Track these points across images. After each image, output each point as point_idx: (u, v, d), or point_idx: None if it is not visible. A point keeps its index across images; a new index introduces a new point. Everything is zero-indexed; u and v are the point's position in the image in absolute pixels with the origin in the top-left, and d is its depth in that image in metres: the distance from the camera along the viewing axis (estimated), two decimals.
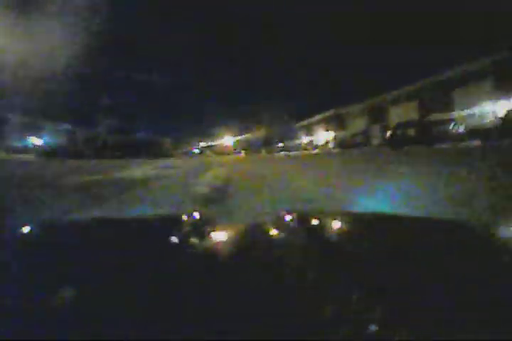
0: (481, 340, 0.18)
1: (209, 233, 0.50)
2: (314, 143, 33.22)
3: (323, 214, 0.78)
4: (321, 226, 0.58)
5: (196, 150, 45.09)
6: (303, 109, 39.38)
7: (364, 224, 0.59)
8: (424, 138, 12.64)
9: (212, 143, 44.47)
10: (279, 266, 0.33)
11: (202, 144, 45.99)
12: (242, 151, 39.63)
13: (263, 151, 38.05)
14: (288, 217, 0.60)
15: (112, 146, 28.62)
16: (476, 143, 10.75)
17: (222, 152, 38.33)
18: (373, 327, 0.20)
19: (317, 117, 34.14)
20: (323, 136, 32.17)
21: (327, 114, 31.56)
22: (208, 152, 40.77)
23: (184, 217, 0.66)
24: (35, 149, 22.12)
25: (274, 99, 40.09)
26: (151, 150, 29.73)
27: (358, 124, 27.84)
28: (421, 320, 0.20)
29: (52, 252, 0.39)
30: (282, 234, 0.49)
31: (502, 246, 0.41)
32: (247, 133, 42.08)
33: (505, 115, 8.80)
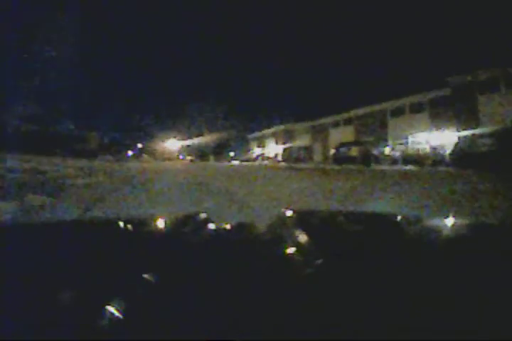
0: (481, 340, 0.18)
1: (209, 233, 0.50)
2: (266, 155, 33.93)
3: (324, 214, 0.80)
4: (321, 226, 0.59)
5: (130, 153, 38.12)
6: (255, 121, 39.42)
7: (364, 224, 0.61)
8: (363, 159, 13.77)
9: (153, 147, 39.22)
10: (279, 266, 0.32)
11: (139, 146, 39.87)
12: (188, 157, 37.04)
13: (211, 159, 36.33)
14: (288, 217, 0.61)
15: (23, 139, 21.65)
16: (409, 167, 11.76)
17: (162, 157, 34.64)
18: (373, 327, 0.19)
19: (269, 130, 34.99)
20: (273, 149, 32.37)
21: (278, 128, 33.77)
22: (144, 156, 34.42)
23: (184, 217, 0.66)
24: None
25: (229, 108, 39.23)
26: (72, 148, 23.07)
27: (304, 140, 30.13)
28: (421, 320, 0.20)
29: (52, 251, 0.39)
30: (282, 234, 0.49)
31: (500, 246, 0.41)
32: (195, 138, 39.26)
33: (455, 146, 9.28)
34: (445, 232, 0.52)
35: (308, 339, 0.19)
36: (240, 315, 0.22)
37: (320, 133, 27.45)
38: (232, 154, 40.44)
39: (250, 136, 40.60)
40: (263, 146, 36.32)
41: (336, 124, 25.66)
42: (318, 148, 27.85)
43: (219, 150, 39.18)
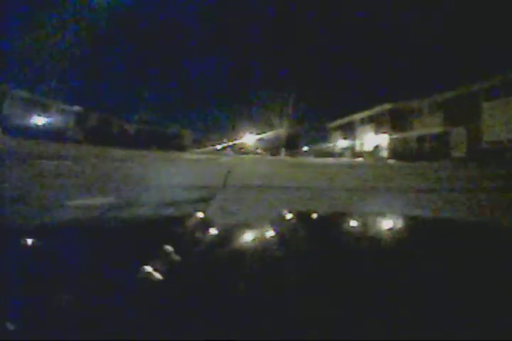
0: (480, 340, 0.18)
1: (209, 233, 0.50)
2: (358, 148, 24.54)
3: (324, 215, 0.83)
4: (321, 226, 0.58)
5: (219, 147, 39.16)
6: (337, 107, 30.57)
7: (365, 225, 0.60)
8: None
9: (234, 142, 37.74)
10: (279, 266, 0.33)
11: (224, 141, 39.43)
12: (258, 150, 32.93)
13: (282, 154, 30.37)
14: (288, 217, 0.60)
15: (132, 136, 25.86)
16: None
17: (240, 151, 32.21)
18: (373, 327, 0.19)
19: (362, 114, 25.23)
20: (371, 140, 23.31)
21: (379, 109, 22.61)
22: (227, 150, 34.85)
23: (184, 217, 0.65)
24: (38, 129, 18.93)
25: (302, 94, 31.75)
26: (170, 143, 25.01)
27: (431, 125, 18.56)
28: (421, 320, 0.20)
29: (52, 252, 0.39)
30: (283, 234, 0.48)
31: (502, 245, 0.41)
32: (269, 131, 34.42)
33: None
34: (445, 231, 0.52)
35: (308, 339, 0.19)
36: (240, 314, 0.22)
37: (463, 110, 15.73)
38: (305, 148, 33.44)
39: (332, 125, 32.25)
40: (352, 137, 27.65)
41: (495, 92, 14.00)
42: (460, 135, 16.28)
43: (291, 143, 32.94)
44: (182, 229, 0.56)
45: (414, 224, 0.61)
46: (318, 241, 0.43)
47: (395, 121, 20.92)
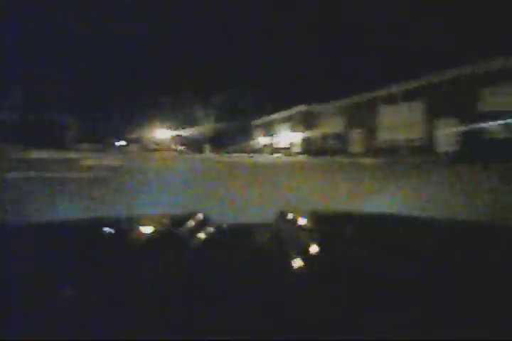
0: (481, 340, 0.18)
1: (208, 233, 0.49)
2: (276, 145, 25.63)
3: (324, 214, 0.80)
4: (321, 226, 0.59)
5: (120, 143, 33.05)
6: (260, 106, 31.39)
7: (365, 224, 0.60)
8: None
9: (141, 136, 32.76)
10: (279, 266, 0.33)
11: (131, 136, 33.60)
12: (179, 147, 30.23)
13: (207, 151, 28.84)
14: (288, 217, 0.60)
15: None
16: None
17: (150, 147, 28.86)
18: (373, 327, 0.20)
19: (282, 114, 26.47)
20: (287, 138, 24.62)
21: (295, 110, 24.18)
22: (130, 146, 30.31)
23: (184, 217, 0.63)
24: None
25: (227, 91, 30.99)
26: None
27: (334, 126, 21.01)
28: (421, 320, 0.20)
29: (51, 252, 0.39)
30: (282, 234, 0.48)
31: (502, 245, 0.41)
32: (190, 127, 31.81)
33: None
34: (444, 231, 0.52)
35: (308, 339, 0.19)
36: (240, 315, 0.22)
37: (361, 114, 18.65)
38: (231, 146, 32.88)
39: (256, 123, 32.74)
40: (272, 135, 28.43)
41: (390, 100, 16.99)
42: (358, 134, 18.98)
43: (217, 140, 31.64)
44: (181, 228, 0.54)
45: (414, 223, 0.59)
46: (319, 241, 0.43)
47: (307, 121, 22.71)
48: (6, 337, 0.18)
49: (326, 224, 0.61)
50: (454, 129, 12.70)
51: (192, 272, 0.30)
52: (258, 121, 31.23)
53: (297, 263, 0.34)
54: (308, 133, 22.42)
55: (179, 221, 0.60)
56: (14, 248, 0.40)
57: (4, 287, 0.27)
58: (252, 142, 30.72)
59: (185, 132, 32.93)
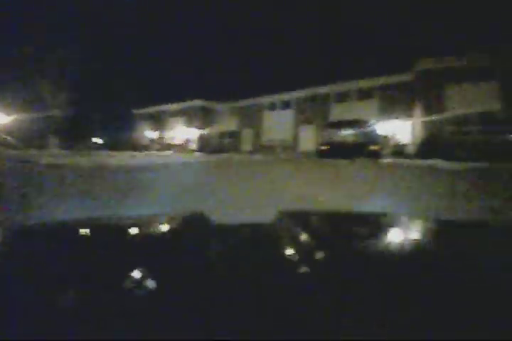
0: (481, 340, 0.18)
1: (208, 233, 0.49)
2: (168, 141, 23.44)
3: (324, 214, 0.80)
4: (321, 226, 0.58)
5: None
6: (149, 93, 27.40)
7: (365, 224, 0.60)
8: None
9: None
10: (278, 266, 0.33)
11: None
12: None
13: (54, 149, 17.64)
14: (288, 217, 0.60)
15: None
16: None
17: None
18: (373, 327, 0.20)
19: (174, 106, 24.55)
20: (182, 133, 23.18)
21: (190, 104, 23.36)
22: None
23: (184, 217, 0.64)
24: None
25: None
26: None
27: (228, 125, 22.39)
28: (421, 321, 0.20)
29: (51, 252, 0.39)
30: (282, 234, 0.49)
31: (500, 245, 0.41)
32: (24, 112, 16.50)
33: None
34: (444, 231, 0.52)
35: (308, 339, 0.19)
36: (240, 315, 0.22)
37: (251, 116, 20.96)
38: (98, 140, 24.99)
39: (139, 113, 28.46)
40: (161, 129, 25.70)
41: (271, 106, 20.34)
42: (248, 134, 21.33)
43: (72, 132, 20.94)
44: (181, 228, 0.55)
45: (415, 223, 0.60)
46: (319, 241, 0.43)
47: (204, 118, 22.60)
48: (6, 337, 0.18)
49: (326, 224, 0.61)
50: (314, 133, 17.02)
51: (192, 272, 0.31)
52: (145, 111, 27.40)
53: (297, 263, 0.34)
54: (205, 130, 22.17)
55: (179, 220, 0.61)
56: (18, 248, 0.40)
57: (4, 287, 0.27)
58: (136, 136, 26.50)
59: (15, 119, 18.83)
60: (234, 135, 21.99)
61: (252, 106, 21.55)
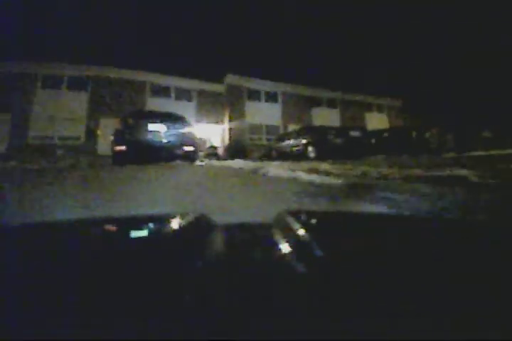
0: (481, 340, 0.19)
1: (208, 233, 0.49)
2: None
3: (324, 214, 0.79)
4: (321, 226, 0.58)
5: None
6: None
7: (365, 224, 0.60)
8: None
9: None
10: (278, 266, 0.33)
11: None
12: None
13: None
14: (288, 217, 0.60)
15: None
16: None
17: None
18: (373, 327, 0.20)
19: None
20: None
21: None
22: None
23: (183, 217, 0.63)
24: None
25: None
26: None
27: None
28: (421, 321, 0.20)
29: (50, 252, 0.39)
30: (282, 234, 0.49)
31: (500, 243, 0.42)
32: None
33: None
34: (444, 231, 0.52)
35: (308, 339, 0.19)
36: (240, 315, 0.22)
37: None
38: None
39: None
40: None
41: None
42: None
43: None
44: (180, 228, 0.54)
45: (415, 223, 0.60)
46: (319, 241, 0.42)
47: None
48: (6, 337, 0.18)
49: (326, 224, 0.61)
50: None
51: (192, 272, 0.31)
52: None
53: (297, 263, 0.34)
54: None
55: (179, 220, 0.60)
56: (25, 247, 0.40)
57: (4, 287, 0.27)
58: None
59: None
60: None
61: (12, 75, 13.00)
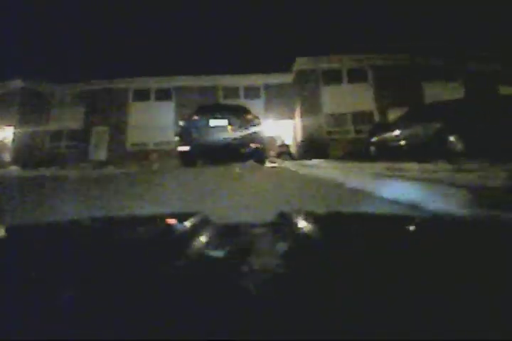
0: (481, 340, 0.18)
1: (208, 233, 0.49)
2: None
3: (325, 214, 0.79)
4: (322, 226, 0.57)
5: None
6: None
7: (365, 224, 0.59)
8: None
9: None
10: (279, 266, 0.33)
11: None
12: None
13: None
14: (288, 217, 0.60)
15: None
16: None
17: None
18: (373, 328, 0.20)
19: None
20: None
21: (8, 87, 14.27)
22: None
23: (184, 217, 0.63)
24: None
25: None
26: None
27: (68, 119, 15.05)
28: (421, 321, 0.20)
29: (50, 252, 0.39)
30: (283, 234, 0.48)
31: (501, 242, 0.41)
32: None
33: None
34: (444, 231, 0.51)
35: (308, 339, 0.19)
36: (240, 315, 0.22)
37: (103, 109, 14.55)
38: None
39: None
40: None
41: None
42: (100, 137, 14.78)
43: None
44: (180, 227, 0.54)
45: (415, 223, 0.59)
46: (320, 241, 0.43)
47: (26, 108, 14.43)
48: (5, 337, 0.18)
49: (326, 224, 0.60)
50: None
51: (192, 272, 0.31)
52: None
53: (297, 263, 0.34)
54: (24, 128, 14.26)
55: (179, 220, 0.60)
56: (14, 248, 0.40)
57: (4, 287, 0.27)
58: None
59: None
60: (77, 136, 14.68)
61: (108, 91, 15.39)
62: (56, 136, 15.05)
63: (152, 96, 15.57)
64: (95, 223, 0.62)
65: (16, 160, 12.81)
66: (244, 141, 5.71)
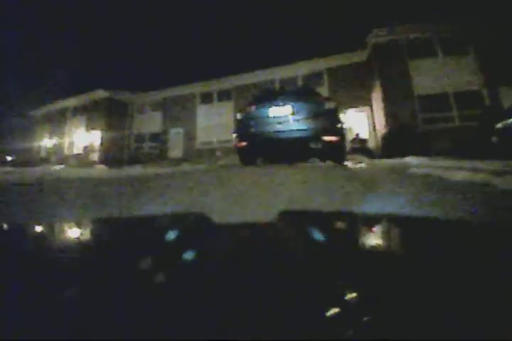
0: (481, 340, 0.18)
1: (208, 233, 0.49)
2: (66, 151, 16.68)
3: (325, 214, 0.79)
4: (322, 227, 0.58)
5: None
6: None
7: (365, 225, 0.60)
8: None
9: None
10: (279, 266, 0.33)
11: None
12: None
13: None
14: (289, 217, 0.59)
15: None
16: None
17: None
18: (373, 327, 0.20)
19: (73, 101, 17.92)
20: (81, 139, 17.04)
21: (92, 96, 16.75)
22: None
23: (184, 217, 0.62)
24: None
25: None
26: None
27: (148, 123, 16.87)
28: (421, 321, 0.20)
29: (52, 252, 0.40)
30: (283, 234, 0.48)
31: (503, 245, 0.41)
32: None
33: None
34: (445, 231, 0.50)
35: (308, 339, 0.19)
36: (240, 315, 0.22)
37: None
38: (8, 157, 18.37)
39: (38, 114, 20.69)
40: (61, 134, 16.94)
41: None
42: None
43: None
44: (180, 227, 0.54)
45: (415, 224, 0.58)
46: (320, 241, 0.42)
47: (111, 115, 16.54)
48: (5, 337, 0.18)
49: (327, 225, 0.60)
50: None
51: (192, 272, 0.31)
52: (44, 110, 20.17)
53: (297, 263, 0.33)
54: (111, 132, 16.32)
55: (179, 220, 0.61)
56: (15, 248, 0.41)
57: (4, 287, 0.26)
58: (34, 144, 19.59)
59: None
60: (157, 137, 16.66)
61: (179, 97, 16.57)
62: (139, 138, 17.09)
63: (215, 97, 16.09)
64: (95, 223, 0.62)
65: (102, 161, 14.61)
66: (315, 133, 4.25)
